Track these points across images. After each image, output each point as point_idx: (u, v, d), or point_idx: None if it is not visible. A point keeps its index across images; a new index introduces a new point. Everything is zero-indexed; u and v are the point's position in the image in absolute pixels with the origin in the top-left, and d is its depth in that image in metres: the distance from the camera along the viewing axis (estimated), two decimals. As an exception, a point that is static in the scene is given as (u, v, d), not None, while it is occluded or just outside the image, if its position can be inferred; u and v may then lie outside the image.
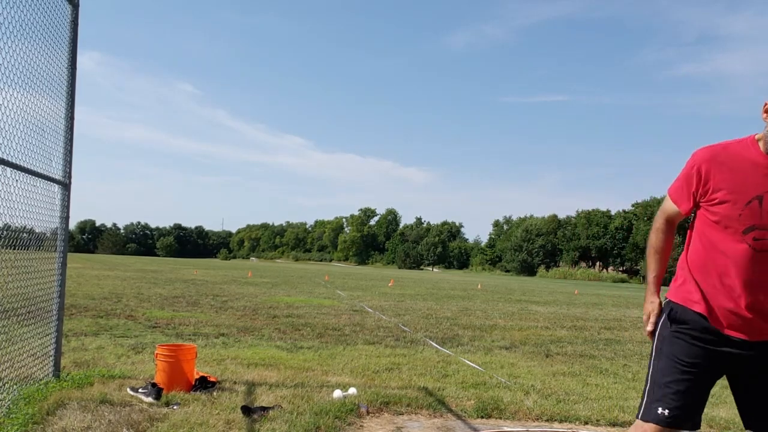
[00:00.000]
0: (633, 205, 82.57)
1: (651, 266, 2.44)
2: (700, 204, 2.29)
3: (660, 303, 2.43)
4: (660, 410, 2.18)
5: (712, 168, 2.21)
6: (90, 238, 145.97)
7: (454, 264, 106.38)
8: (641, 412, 2.26)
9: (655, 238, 2.44)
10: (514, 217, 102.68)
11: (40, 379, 4.66)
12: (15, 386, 4.21)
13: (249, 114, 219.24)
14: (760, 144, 2.19)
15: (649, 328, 2.39)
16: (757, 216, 2.15)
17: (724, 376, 2.34)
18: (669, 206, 2.41)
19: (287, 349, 7.09)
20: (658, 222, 2.44)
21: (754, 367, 2.21)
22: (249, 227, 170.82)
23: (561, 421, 4.60)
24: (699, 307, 2.24)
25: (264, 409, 4.28)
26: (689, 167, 2.30)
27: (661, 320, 2.35)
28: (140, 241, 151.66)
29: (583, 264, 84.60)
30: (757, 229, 2.14)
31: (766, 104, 2.18)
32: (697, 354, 2.21)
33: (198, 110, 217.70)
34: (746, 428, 2.29)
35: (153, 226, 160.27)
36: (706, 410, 5.11)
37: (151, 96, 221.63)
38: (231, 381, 5.18)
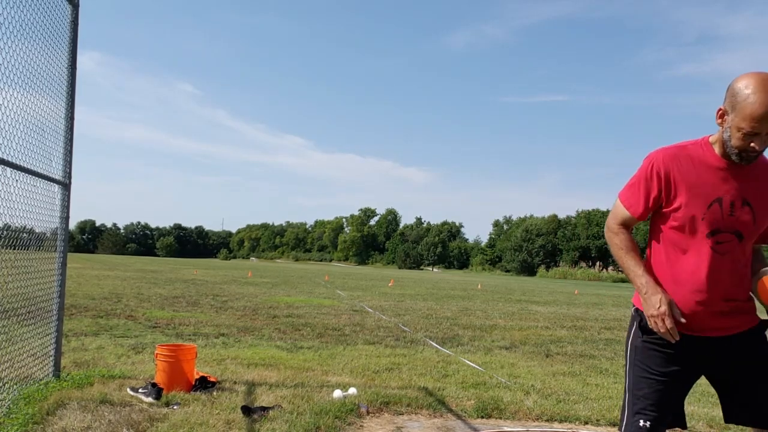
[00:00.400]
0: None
1: (633, 262, 2.25)
2: (662, 208, 2.23)
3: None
4: (642, 423, 2.20)
5: (672, 170, 2.17)
6: (90, 238, 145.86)
7: (454, 264, 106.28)
8: (623, 425, 2.27)
9: (619, 240, 2.29)
10: (514, 217, 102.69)
11: (40, 379, 4.66)
12: (15, 386, 4.21)
13: (249, 114, 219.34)
14: (715, 147, 2.17)
15: (669, 324, 2.13)
16: (719, 218, 2.14)
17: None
18: (622, 212, 2.29)
19: (287, 349, 7.09)
20: (614, 226, 2.31)
21: (728, 361, 2.24)
22: (249, 227, 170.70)
23: (561, 421, 4.60)
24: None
25: (264, 409, 4.28)
26: (647, 170, 2.21)
27: (633, 330, 2.35)
28: (140, 241, 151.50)
29: (583, 264, 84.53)
30: (720, 232, 2.15)
31: (719, 109, 2.14)
32: (670, 362, 2.22)
33: (198, 110, 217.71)
34: (727, 422, 2.32)
35: (153, 226, 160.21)
36: (706, 410, 5.12)
37: (151, 96, 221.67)
38: (231, 381, 5.19)
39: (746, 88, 2.00)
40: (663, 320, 2.14)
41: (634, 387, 2.26)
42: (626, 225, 2.30)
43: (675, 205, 2.18)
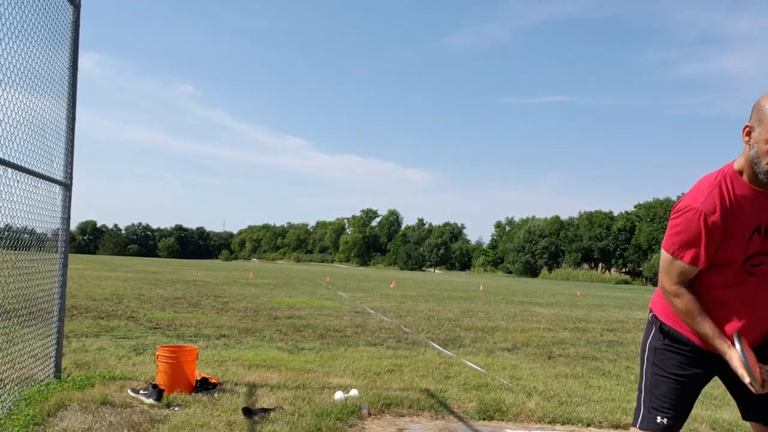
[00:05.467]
0: (635, 206, 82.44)
1: (708, 326, 2.13)
2: None
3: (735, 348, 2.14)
4: (659, 419, 2.24)
5: (722, 217, 2.10)
6: (91, 239, 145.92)
7: (456, 265, 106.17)
8: (639, 421, 2.30)
9: (683, 303, 2.15)
10: (517, 218, 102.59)
11: (41, 380, 4.65)
12: (16, 387, 4.20)
13: (250, 115, 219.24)
14: (744, 175, 2.13)
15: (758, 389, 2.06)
16: (758, 246, 2.15)
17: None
18: (680, 267, 2.15)
19: (288, 351, 7.08)
20: (673, 287, 2.17)
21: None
22: (250, 228, 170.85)
23: (563, 423, 4.58)
24: (686, 331, 2.27)
25: (265, 410, 4.28)
26: (703, 221, 2.10)
27: (652, 332, 2.37)
28: (141, 242, 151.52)
29: (586, 265, 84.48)
30: (754, 256, 2.16)
31: (746, 127, 2.10)
32: (688, 365, 2.27)
33: (199, 111, 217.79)
34: (744, 419, 2.35)
35: (154, 227, 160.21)
36: (709, 412, 5.10)
37: (152, 97, 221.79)
38: (232, 382, 5.17)
39: None
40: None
41: (651, 386, 2.30)
42: (684, 281, 2.18)
43: (722, 248, 2.15)
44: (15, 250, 3.99)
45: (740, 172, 2.14)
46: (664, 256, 2.20)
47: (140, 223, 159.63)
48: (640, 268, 76.50)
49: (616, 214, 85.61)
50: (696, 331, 2.17)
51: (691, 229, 2.12)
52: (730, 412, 4.98)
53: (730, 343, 2.12)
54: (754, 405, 2.28)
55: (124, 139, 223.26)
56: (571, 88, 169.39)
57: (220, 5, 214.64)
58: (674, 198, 73.62)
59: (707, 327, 2.14)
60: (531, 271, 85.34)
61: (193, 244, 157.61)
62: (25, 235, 4.20)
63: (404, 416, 4.55)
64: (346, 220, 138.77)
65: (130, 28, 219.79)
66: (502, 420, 4.60)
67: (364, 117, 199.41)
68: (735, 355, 2.09)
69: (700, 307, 2.16)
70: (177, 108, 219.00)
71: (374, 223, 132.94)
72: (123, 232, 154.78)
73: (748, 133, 2.09)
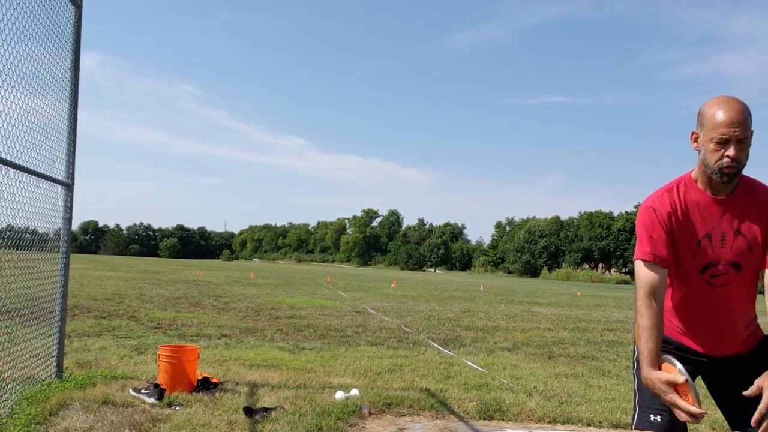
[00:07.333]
0: (635, 206, 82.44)
1: (647, 345, 2.09)
2: None
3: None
4: (653, 417, 2.26)
5: (672, 217, 2.19)
6: (93, 239, 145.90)
7: (456, 265, 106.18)
8: (635, 421, 2.33)
9: (647, 314, 2.11)
10: (517, 219, 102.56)
11: (43, 380, 4.67)
12: (18, 387, 4.22)
13: (250, 115, 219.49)
14: (698, 183, 2.20)
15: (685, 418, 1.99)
16: (709, 253, 2.19)
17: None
18: (645, 270, 2.16)
19: (289, 351, 7.10)
20: (643, 295, 2.13)
21: (729, 374, 2.31)
22: (251, 228, 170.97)
23: (563, 423, 4.60)
24: (668, 332, 2.34)
25: (266, 410, 4.29)
26: (651, 217, 2.20)
27: None
28: (143, 242, 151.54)
29: (586, 265, 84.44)
30: (712, 266, 2.19)
31: (693, 133, 2.18)
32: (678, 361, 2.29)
33: (199, 111, 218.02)
34: (733, 429, 2.35)
35: (155, 227, 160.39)
36: (709, 412, 5.09)
37: (153, 97, 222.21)
38: (233, 382, 5.19)
39: (711, 106, 2.12)
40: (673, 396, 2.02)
41: (643, 385, 2.31)
42: (655, 288, 2.14)
43: (673, 248, 2.22)
44: (17, 249, 4.01)
45: (696, 180, 2.22)
46: (635, 268, 2.23)
47: (141, 223, 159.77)
48: (641, 269, 76.41)
49: (616, 214, 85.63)
50: (637, 343, 2.14)
51: (644, 224, 2.23)
52: (729, 411, 4.99)
53: (655, 367, 2.07)
54: (744, 414, 2.24)
55: (125, 139, 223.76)
56: (571, 88, 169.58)
57: (220, 5, 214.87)
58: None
59: (643, 345, 2.09)
60: (531, 271, 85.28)
61: (194, 244, 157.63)
62: (27, 235, 4.21)
63: (405, 416, 4.56)
64: (346, 220, 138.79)
65: (130, 28, 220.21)
66: (503, 420, 4.62)
67: (364, 117, 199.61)
68: (663, 374, 2.04)
69: (659, 324, 2.11)
70: (177, 108, 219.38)
71: (375, 223, 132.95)
72: (124, 232, 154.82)
73: (696, 139, 2.17)
